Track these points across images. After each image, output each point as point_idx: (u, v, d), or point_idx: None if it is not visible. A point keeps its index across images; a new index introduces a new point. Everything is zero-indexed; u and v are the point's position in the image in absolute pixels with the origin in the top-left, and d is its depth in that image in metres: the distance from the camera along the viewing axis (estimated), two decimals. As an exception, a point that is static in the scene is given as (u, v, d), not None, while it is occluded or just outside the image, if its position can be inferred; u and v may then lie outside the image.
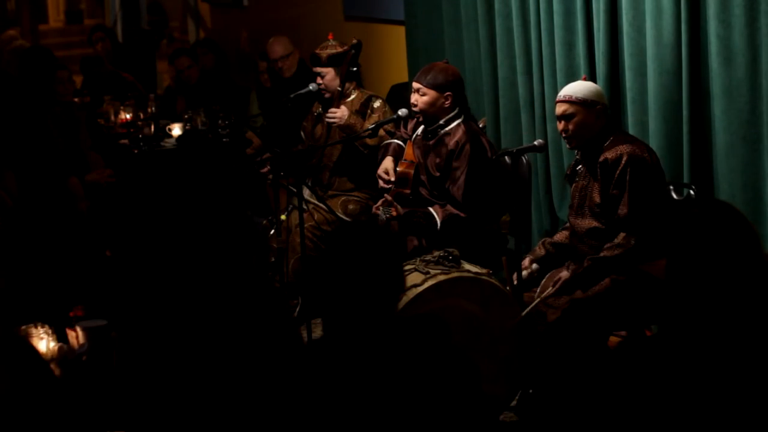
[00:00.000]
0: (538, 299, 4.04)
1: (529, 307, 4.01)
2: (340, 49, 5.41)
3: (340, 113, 5.25)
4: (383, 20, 6.92)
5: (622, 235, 3.96)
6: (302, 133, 5.76)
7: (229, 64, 8.37)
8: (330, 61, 5.38)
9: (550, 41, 5.00)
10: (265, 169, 5.45)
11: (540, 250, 4.30)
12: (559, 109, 4.07)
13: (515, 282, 4.17)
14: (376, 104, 5.40)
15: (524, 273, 4.22)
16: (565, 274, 4.06)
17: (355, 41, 5.23)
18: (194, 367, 2.21)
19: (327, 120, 5.30)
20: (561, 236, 4.31)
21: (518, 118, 5.40)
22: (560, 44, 4.92)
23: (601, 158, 4.00)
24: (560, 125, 4.08)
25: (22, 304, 4.25)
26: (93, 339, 3.59)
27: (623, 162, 3.93)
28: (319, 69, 5.41)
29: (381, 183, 4.94)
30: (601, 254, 3.99)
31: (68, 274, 4.98)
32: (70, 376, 3.50)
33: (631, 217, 3.94)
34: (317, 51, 5.43)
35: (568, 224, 4.31)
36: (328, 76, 5.40)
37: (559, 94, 4.13)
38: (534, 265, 4.26)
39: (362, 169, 5.39)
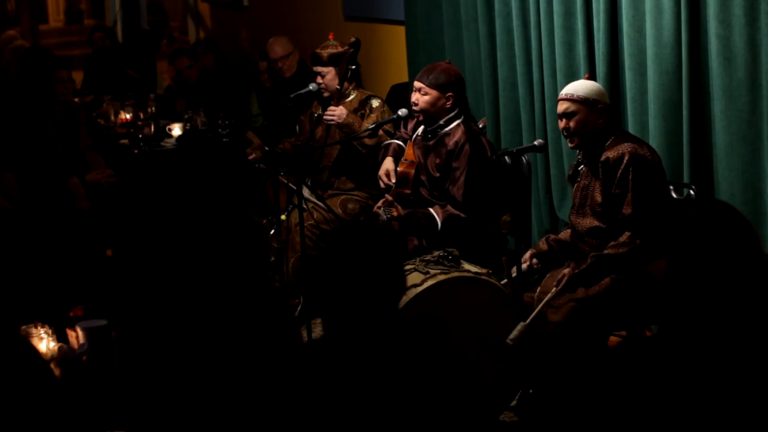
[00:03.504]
0: (545, 300, 4.01)
1: (536, 311, 3.98)
2: (341, 49, 5.41)
3: (338, 112, 5.25)
4: (383, 20, 6.92)
5: (627, 234, 3.95)
6: (298, 127, 5.76)
7: (229, 64, 8.37)
8: (331, 61, 5.38)
9: (550, 41, 5.00)
10: (259, 164, 5.47)
11: (543, 245, 4.30)
12: (561, 107, 4.07)
13: (513, 275, 4.16)
14: (375, 104, 5.40)
15: (524, 266, 4.21)
16: (568, 271, 4.05)
17: (353, 39, 5.23)
18: (194, 367, 2.21)
19: (325, 119, 5.30)
20: (565, 234, 4.31)
21: (518, 118, 5.40)
22: (560, 44, 4.92)
23: (603, 157, 3.99)
24: (561, 123, 4.08)
25: (22, 304, 4.25)
26: (93, 339, 3.59)
27: (625, 161, 3.93)
28: (320, 68, 5.41)
29: (382, 185, 4.95)
30: (606, 251, 3.98)
31: (68, 274, 4.97)
32: (70, 376, 3.50)
33: (636, 217, 3.93)
34: (318, 51, 5.43)
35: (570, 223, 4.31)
36: (329, 75, 5.40)
37: (561, 92, 4.12)
38: (534, 260, 4.25)
39: (362, 168, 5.39)
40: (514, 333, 3.89)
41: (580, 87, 4.07)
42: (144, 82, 8.34)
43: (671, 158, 4.37)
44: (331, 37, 5.51)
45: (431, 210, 4.68)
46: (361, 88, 5.59)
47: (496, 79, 5.52)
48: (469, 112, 4.83)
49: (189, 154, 6.58)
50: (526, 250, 4.44)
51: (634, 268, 3.98)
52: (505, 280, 4.20)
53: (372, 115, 5.36)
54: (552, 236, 4.35)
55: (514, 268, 4.17)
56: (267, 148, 5.63)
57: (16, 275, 4.69)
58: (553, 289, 4.04)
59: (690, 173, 4.32)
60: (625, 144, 3.97)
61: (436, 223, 4.64)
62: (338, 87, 5.36)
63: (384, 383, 2.35)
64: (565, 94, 4.07)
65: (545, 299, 4.01)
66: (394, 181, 4.87)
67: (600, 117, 4.04)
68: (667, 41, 4.32)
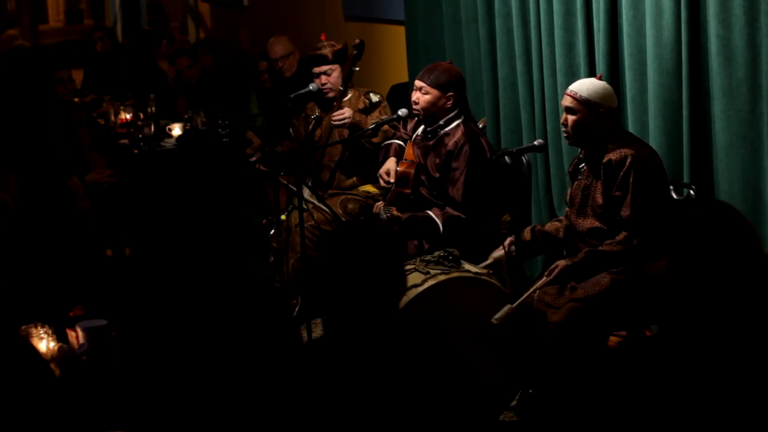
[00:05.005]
0: (532, 289, 4.02)
1: (522, 297, 3.98)
2: (339, 46, 5.42)
3: (347, 113, 5.25)
4: (383, 20, 6.92)
5: (624, 234, 3.95)
6: (291, 131, 5.75)
7: (229, 64, 8.38)
8: (336, 58, 5.38)
9: (550, 41, 5.00)
10: (258, 165, 5.47)
11: (527, 235, 4.28)
12: (564, 101, 4.06)
13: (490, 261, 4.19)
14: (375, 99, 5.41)
15: (502, 252, 4.20)
16: (562, 262, 4.05)
17: (357, 41, 5.23)
18: (194, 366, 2.22)
19: (335, 123, 5.29)
20: (552, 226, 4.29)
21: (518, 118, 5.40)
22: (560, 44, 4.92)
23: (605, 159, 3.98)
24: (562, 117, 4.08)
25: (22, 304, 4.25)
26: (93, 339, 3.59)
27: (627, 164, 3.92)
28: (325, 68, 5.39)
29: (381, 182, 4.95)
30: (600, 248, 3.99)
31: (68, 274, 4.97)
32: (70, 376, 3.50)
33: (634, 219, 3.93)
34: (319, 52, 5.40)
35: (562, 217, 4.30)
36: (335, 73, 5.40)
37: (570, 86, 4.10)
38: (512, 247, 4.23)
39: (368, 165, 5.39)
40: (500, 314, 3.91)
41: (586, 87, 4.04)
42: (140, 83, 8.34)
43: (671, 158, 4.37)
44: (323, 38, 5.50)
45: (431, 213, 4.67)
46: (354, 86, 5.59)
47: (496, 79, 5.52)
48: (469, 113, 4.83)
49: (189, 154, 6.58)
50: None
51: (631, 267, 3.98)
52: (488, 261, 4.20)
53: (374, 111, 5.37)
54: (538, 226, 4.33)
55: (501, 251, 4.18)
56: (267, 149, 5.64)
57: (16, 275, 4.69)
58: (544, 278, 4.04)
59: (690, 173, 4.32)
60: (628, 147, 3.96)
61: (438, 226, 4.64)
62: (341, 87, 5.37)
63: (384, 383, 2.35)
64: (570, 91, 4.05)
65: (536, 285, 4.02)
66: (393, 180, 4.88)
67: (600, 120, 4.02)
68: (667, 41, 4.32)
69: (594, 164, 4.06)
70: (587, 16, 4.78)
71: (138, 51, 8.58)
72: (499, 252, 4.26)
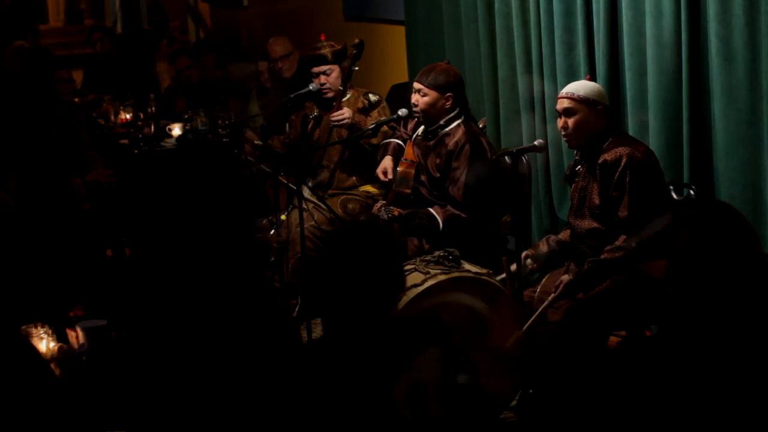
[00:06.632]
0: (542, 308, 4.01)
1: (533, 317, 3.98)
2: (338, 46, 5.41)
3: (347, 114, 5.25)
4: (383, 20, 6.93)
5: (622, 237, 3.95)
6: (287, 126, 5.74)
7: (229, 64, 8.38)
8: (335, 58, 5.38)
9: (550, 41, 5.00)
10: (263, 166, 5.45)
11: (543, 247, 4.28)
12: (560, 105, 4.07)
13: (513, 270, 4.17)
14: (374, 99, 5.41)
15: (513, 267, 4.20)
16: (566, 277, 4.05)
17: (357, 41, 5.23)
18: (194, 366, 2.22)
19: (334, 123, 5.29)
20: (565, 234, 4.30)
21: (518, 118, 5.39)
22: (560, 44, 4.92)
23: (601, 159, 3.99)
24: (560, 122, 4.08)
25: (22, 304, 4.25)
26: (93, 339, 3.59)
27: (623, 164, 3.92)
28: (324, 68, 5.38)
29: (382, 178, 4.98)
30: (602, 257, 3.98)
31: (68, 274, 4.97)
32: (70, 376, 3.50)
33: (632, 220, 3.93)
34: (318, 52, 5.40)
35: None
36: (334, 73, 5.39)
37: (562, 90, 4.12)
38: (528, 260, 4.24)
39: (365, 165, 5.39)
40: (511, 339, 3.93)
41: (581, 87, 4.07)
42: (140, 83, 8.32)
43: (671, 158, 4.37)
44: (323, 38, 5.50)
45: (431, 210, 4.68)
46: (354, 86, 5.59)
47: (496, 79, 5.52)
48: (469, 112, 4.83)
49: (189, 154, 6.57)
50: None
51: (632, 269, 3.98)
52: (504, 275, 4.19)
53: (374, 111, 5.37)
54: (552, 237, 4.34)
55: (514, 265, 4.17)
56: (258, 142, 5.61)
57: (16, 275, 4.69)
58: (551, 295, 4.04)
59: (690, 173, 4.32)
60: (623, 147, 3.97)
61: (438, 223, 4.64)
62: (341, 87, 5.36)
63: (383, 383, 2.35)
64: (566, 93, 4.06)
65: (542, 306, 4.01)
66: (390, 177, 4.89)
67: (599, 118, 4.04)
68: (667, 41, 4.32)
69: (590, 165, 4.07)
70: (587, 16, 4.78)
71: (134, 51, 8.58)
72: (514, 266, 4.23)
